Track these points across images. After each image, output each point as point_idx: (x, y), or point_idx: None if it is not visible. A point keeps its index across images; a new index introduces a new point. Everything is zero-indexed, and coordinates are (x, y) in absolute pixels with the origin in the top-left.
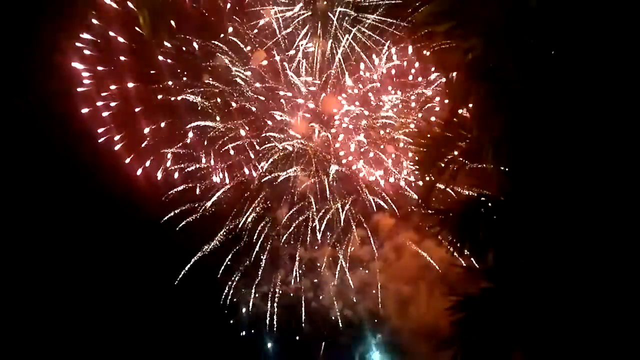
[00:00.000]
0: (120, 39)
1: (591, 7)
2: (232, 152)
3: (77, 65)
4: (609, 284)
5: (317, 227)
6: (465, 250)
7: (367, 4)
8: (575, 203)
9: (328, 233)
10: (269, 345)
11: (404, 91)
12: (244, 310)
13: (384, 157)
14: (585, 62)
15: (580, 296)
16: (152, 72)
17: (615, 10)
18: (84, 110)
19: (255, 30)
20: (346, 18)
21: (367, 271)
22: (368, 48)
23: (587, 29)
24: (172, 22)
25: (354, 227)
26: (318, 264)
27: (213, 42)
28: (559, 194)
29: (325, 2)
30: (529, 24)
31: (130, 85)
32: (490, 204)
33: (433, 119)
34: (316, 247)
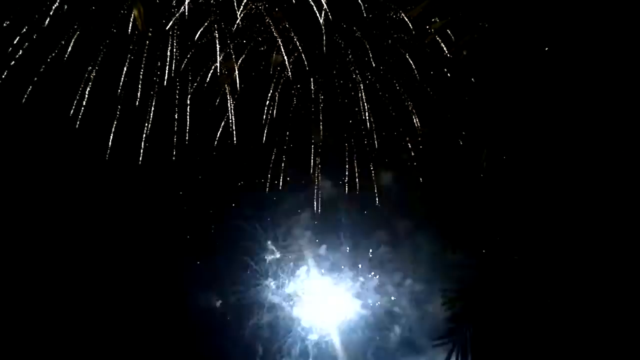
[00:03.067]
0: None
1: (583, 8)
2: None
3: None
4: (600, 280)
5: None
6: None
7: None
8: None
9: None
10: None
11: None
12: None
13: None
14: (578, 61)
15: (573, 289)
16: None
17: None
18: None
19: None
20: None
21: None
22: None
23: (580, 27)
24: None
25: None
26: None
27: None
28: (549, 191)
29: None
30: (522, 21)
31: None
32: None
33: None
34: None
